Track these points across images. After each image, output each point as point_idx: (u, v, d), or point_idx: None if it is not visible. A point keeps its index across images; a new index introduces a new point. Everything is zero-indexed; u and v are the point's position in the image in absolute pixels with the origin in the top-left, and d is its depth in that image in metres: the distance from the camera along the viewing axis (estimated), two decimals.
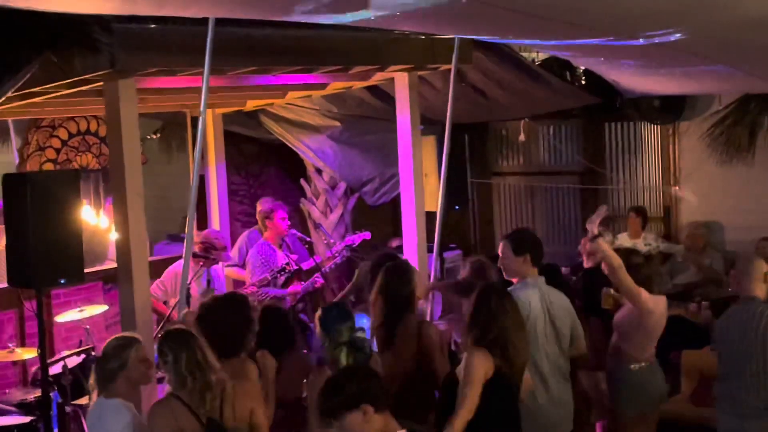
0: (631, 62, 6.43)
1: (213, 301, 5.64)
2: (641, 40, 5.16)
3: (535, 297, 5.79)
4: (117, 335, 5.27)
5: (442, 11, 4.31)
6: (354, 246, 9.21)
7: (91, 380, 5.11)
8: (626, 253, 6.60)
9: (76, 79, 5.90)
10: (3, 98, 5.52)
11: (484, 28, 5.41)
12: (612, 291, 6.58)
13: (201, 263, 7.97)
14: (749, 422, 5.91)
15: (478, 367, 4.91)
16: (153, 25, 5.67)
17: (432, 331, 5.99)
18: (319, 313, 5.54)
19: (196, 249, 7.86)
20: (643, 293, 6.18)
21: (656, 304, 6.31)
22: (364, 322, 5.96)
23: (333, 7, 3.99)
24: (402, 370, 5.75)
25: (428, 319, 7.49)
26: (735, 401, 5.97)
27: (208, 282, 8.22)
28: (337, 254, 9.05)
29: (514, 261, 5.93)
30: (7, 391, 7.94)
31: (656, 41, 5.11)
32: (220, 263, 8.38)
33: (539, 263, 5.97)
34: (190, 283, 7.50)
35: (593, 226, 6.27)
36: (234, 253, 9.15)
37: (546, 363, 5.78)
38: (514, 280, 5.96)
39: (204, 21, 5.51)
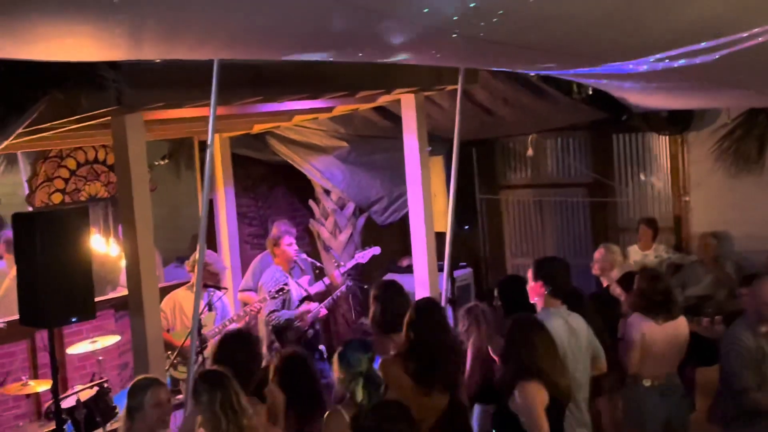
0: (638, 85, 6.40)
1: (223, 339, 5.69)
2: (645, 67, 5.14)
3: (555, 327, 5.78)
4: (142, 376, 5.32)
5: (445, 46, 4.30)
6: (364, 263, 9.20)
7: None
8: (651, 279, 6.69)
9: (83, 115, 5.89)
10: (11, 138, 5.52)
11: (488, 60, 5.41)
12: None
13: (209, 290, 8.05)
14: None
15: (537, 398, 5.05)
16: (158, 61, 5.66)
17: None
18: (339, 349, 5.52)
19: (188, 269, 7.99)
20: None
21: (665, 330, 6.46)
22: None
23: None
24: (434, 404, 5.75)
25: None
26: None
27: (209, 306, 8.23)
28: (346, 277, 9.01)
29: (534, 288, 5.96)
30: (20, 423, 7.95)
31: (661, 67, 5.09)
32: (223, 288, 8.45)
33: (562, 293, 5.96)
34: (202, 312, 7.53)
35: None
36: (248, 277, 9.16)
37: (575, 389, 5.79)
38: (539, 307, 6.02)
39: None
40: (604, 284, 8.06)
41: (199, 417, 4.84)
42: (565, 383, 5.23)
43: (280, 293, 8.22)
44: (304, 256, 9.00)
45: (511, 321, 5.41)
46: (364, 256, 9.13)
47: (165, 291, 8.07)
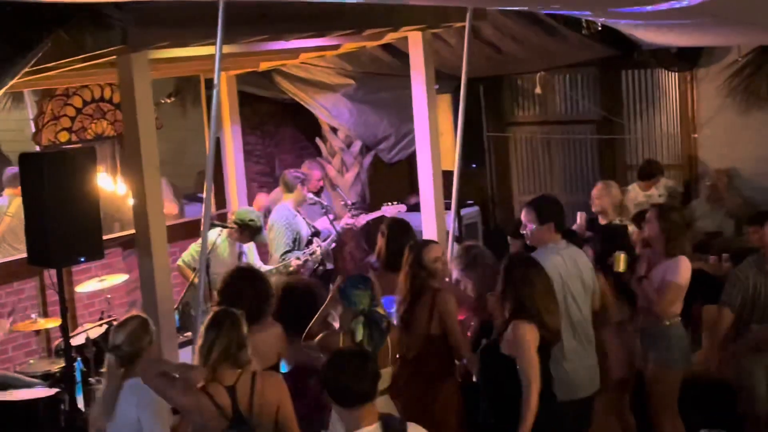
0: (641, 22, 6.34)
1: (229, 276, 5.71)
2: (650, 7, 5.08)
3: (558, 263, 5.80)
4: (127, 318, 5.24)
5: None
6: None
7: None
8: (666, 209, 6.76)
9: (88, 55, 5.85)
10: (16, 78, 5.49)
11: None
12: (623, 254, 6.51)
13: (235, 236, 8.02)
14: None
15: (529, 338, 5.06)
16: None
17: (448, 297, 6.04)
18: (338, 281, 5.53)
19: (232, 224, 7.97)
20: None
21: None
22: None
23: None
24: (421, 333, 5.92)
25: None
26: None
27: (240, 255, 8.22)
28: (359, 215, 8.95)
29: (537, 229, 5.94)
30: (30, 360, 8.02)
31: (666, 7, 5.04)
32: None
33: (562, 228, 5.98)
34: (209, 252, 7.52)
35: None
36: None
37: (574, 326, 5.83)
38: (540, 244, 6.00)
39: None
40: (601, 221, 8.02)
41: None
42: (554, 324, 5.21)
43: (312, 256, 8.21)
44: (311, 195, 8.90)
45: (508, 259, 5.39)
46: (390, 210, 9.04)
47: (170, 228, 7.76)
